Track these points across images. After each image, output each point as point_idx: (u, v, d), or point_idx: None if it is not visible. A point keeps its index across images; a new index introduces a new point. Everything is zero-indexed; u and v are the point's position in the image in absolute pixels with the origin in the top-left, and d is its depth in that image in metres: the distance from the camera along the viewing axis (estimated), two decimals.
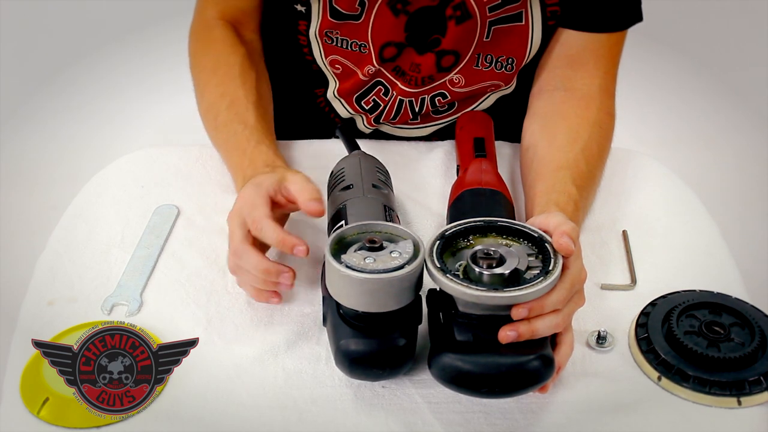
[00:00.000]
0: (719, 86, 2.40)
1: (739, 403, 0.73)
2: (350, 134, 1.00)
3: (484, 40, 0.97)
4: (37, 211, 1.87)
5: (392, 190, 0.90)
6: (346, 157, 0.93)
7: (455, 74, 1.00)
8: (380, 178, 0.88)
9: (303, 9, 0.97)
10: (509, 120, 1.05)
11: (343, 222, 0.80)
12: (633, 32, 0.99)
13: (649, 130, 2.22)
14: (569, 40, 0.97)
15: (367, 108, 1.06)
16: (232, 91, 0.95)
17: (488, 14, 0.94)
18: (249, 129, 0.91)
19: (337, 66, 1.02)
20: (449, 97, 1.03)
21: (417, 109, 1.04)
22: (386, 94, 1.03)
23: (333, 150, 0.99)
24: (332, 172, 0.91)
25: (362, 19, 0.95)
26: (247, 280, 0.81)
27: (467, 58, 0.98)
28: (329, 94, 1.06)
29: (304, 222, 0.92)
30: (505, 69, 1.00)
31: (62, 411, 0.71)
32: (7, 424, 0.71)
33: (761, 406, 0.73)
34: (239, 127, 0.91)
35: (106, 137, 2.18)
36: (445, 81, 1.01)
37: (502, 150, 1.03)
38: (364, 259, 0.69)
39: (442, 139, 1.07)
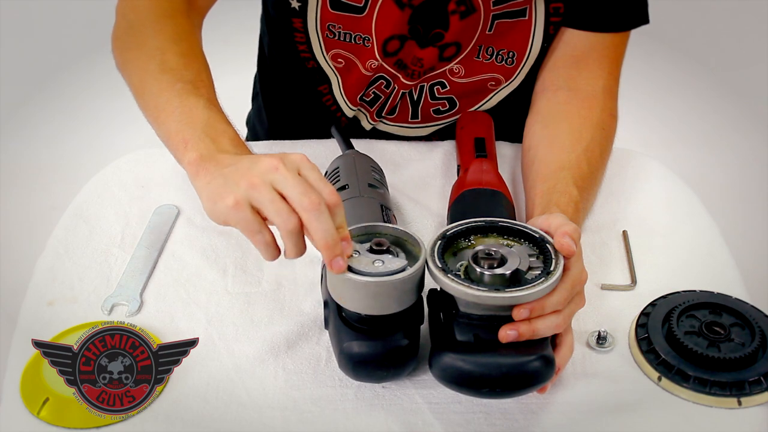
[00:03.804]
0: (719, 86, 2.40)
1: (739, 403, 0.73)
2: (345, 133, 1.00)
3: (487, 32, 0.97)
4: (37, 211, 1.87)
5: (387, 189, 0.90)
6: (339, 156, 0.93)
7: (455, 64, 1.00)
8: (375, 177, 0.88)
9: (298, 5, 0.97)
10: (511, 120, 1.05)
11: None
12: (633, 32, 0.99)
13: (650, 130, 2.23)
14: (573, 39, 0.97)
15: (367, 100, 1.05)
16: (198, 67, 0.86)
17: (492, 8, 0.94)
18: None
19: (339, 60, 1.01)
20: (448, 87, 1.03)
21: (416, 99, 1.04)
22: (387, 86, 1.03)
23: (334, 150, 0.99)
24: (326, 171, 0.90)
25: (366, 12, 0.95)
26: (274, 208, 0.67)
27: (468, 49, 0.98)
28: (336, 92, 1.06)
29: None
30: (506, 62, 1.00)
31: (62, 411, 0.71)
32: (7, 424, 0.71)
33: (761, 407, 0.73)
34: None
35: (106, 137, 2.18)
36: (445, 70, 1.01)
37: (503, 150, 1.03)
38: (372, 262, 0.69)
39: (443, 139, 1.07)
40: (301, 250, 0.69)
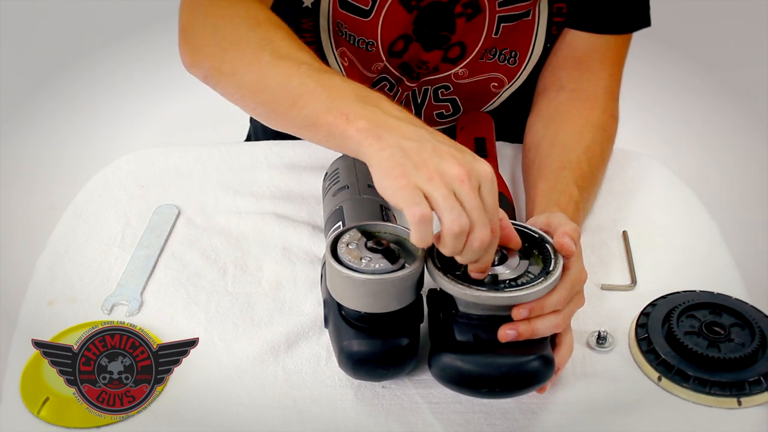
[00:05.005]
0: (719, 86, 2.40)
1: (739, 403, 0.73)
2: None
3: (493, 36, 0.97)
4: (37, 211, 1.87)
5: None
6: (339, 157, 0.93)
7: (461, 68, 1.00)
8: None
9: (310, 3, 0.96)
10: (512, 121, 1.05)
11: (340, 223, 0.80)
12: (634, 32, 0.99)
13: (650, 131, 2.22)
14: (576, 41, 0.97)
15: None
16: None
17: (498, 9, 0.94)
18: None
19: (345, 59, 1.01)
20: (452, 89, 1.03)
21: (419, 102, 1.04)
22: (391, 89, 1.03)
23: (333, 150, 0.99)
24: (326, 173, 0.91)
25: (371, 16, 0.95)
26: (448, 204, 0.64)
27: (474, 53, 0.98)
28: None
29: (302, 223, 0.92)
30: (508, 62, 1.00)
31: (62, 411, 0.71)
32: (7, 424, 0.71)
33: (761, 407, 0.73)
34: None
35: (106, 137, 2.18)
36: (450, 74, 1.01)
37: (503, 150, 1.03)
38: (364, 259, 0.69)
39: None
40: (457, 252, 0.66)
